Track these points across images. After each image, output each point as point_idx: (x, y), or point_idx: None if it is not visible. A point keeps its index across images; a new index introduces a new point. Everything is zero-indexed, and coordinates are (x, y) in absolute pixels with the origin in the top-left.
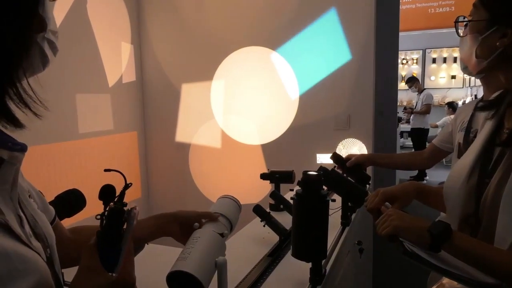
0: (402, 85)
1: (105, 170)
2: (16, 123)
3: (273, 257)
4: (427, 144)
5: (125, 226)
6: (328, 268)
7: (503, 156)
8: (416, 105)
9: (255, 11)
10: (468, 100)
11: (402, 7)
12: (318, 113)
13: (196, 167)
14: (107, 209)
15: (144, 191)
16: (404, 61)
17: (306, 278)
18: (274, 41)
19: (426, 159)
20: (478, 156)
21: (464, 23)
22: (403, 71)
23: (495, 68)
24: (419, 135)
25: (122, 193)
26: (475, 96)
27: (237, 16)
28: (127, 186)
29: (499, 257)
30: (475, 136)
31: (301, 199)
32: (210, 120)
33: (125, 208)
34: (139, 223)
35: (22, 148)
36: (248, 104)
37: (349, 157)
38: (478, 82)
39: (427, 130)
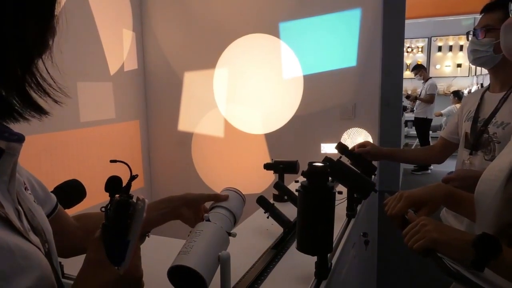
0: (407, 73)
1: (111, 161)
2: (42, 111)
3: (277, 250)
4: (430, 133)
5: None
6: (334, 261)
7: None
8: (421, 93)
9: None
10: (474, 89)
11: None
12: (323, 102)
13: (198, 157)
14: (112, 201)
15: (147, 181)
16: (409, 49)
17: (311, 271)
18: (279, 29)
19: (439, 153)
20: None
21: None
22: (408, 59)
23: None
24: (422, 125)
25: (128, 184)
26: (481, 85)
27: (241, 2)
28: (133, 177)
29: None
30: (483, 126)
31: (307, 191)
32: (213, 109)
33: (131, 200)
34: (148, 206)
35: (19, 138)
36: (252, 93)
37: (365, 144)
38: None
39: (430, 120)
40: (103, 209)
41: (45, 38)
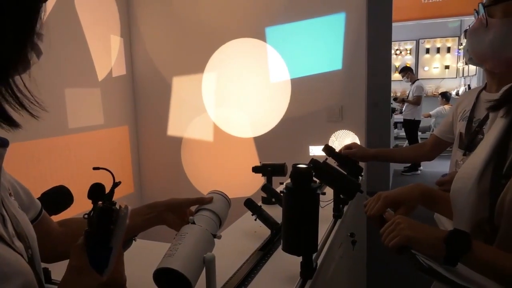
0: (396, 75)
1: (94, 169)
2: (13, 123)
3: (265, 251)
4: (419, 134)
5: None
6: (319, 261)
7: None
8: (408, 95)
9: (248, 2)
10: (461, 90)
11: None
12: (310, 105)
13: (188, 161)
14: (95, 208)
15: (137, 186)
16: (398, 52)
17: (297, 272)
18: (265, 33)
19: (429, 151)
20: (491, 155)
21: (475, 15)
22: (397, 61)
23: None
24: (411, 127)
25: (111, 191)
26: (469, 86)
27: (228, 7)
28: (116, 184)
29: None
30: (478, 126)
31: (291, 192)
32: (202, 114)
33: (114, 207)
34: (133, 212)
35: (3, 143)
36: (240, 97)
37: (351, 146)
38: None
39: (418, 121)
40: (86, 216)
41: (24, 55)
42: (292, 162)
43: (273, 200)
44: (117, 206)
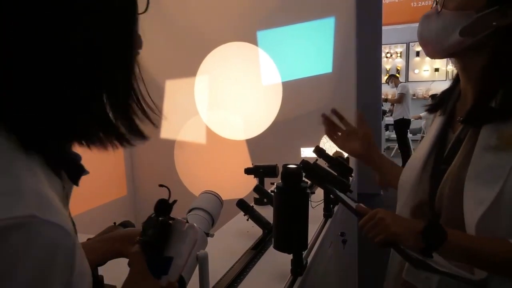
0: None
1: (160, 186)
2: (143, 136)
3: (257, 250)
4: (410, 136)
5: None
6: (309, 259)
7: (461, 142)
8: (396, 94)
9: (239, 6)
10: None
11: (385, 1)
12: (301, 107)
13: (181, 164)
14: (151, 219)
15: (130, 189)
16: (389, 55)
17: (288, 269)
18: (257, 37)
19: None
20: (432, 147)
21: (434, 2)
22: (388, 64)
23: (471, 50)
24: (401, 126)
25: (170, 207)
26: None
27: (220, 11)
28: (173, 202)
29: (496, 247)
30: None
31: (281, 191)
32: (195, 116)
33: (171, 221)
34: (88, 247)
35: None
36: (232, 100)
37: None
38: None
39: (408, 120)
40: (142, 224)
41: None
42: (284, 163)
43: (265, 200)
44: (184, 226)
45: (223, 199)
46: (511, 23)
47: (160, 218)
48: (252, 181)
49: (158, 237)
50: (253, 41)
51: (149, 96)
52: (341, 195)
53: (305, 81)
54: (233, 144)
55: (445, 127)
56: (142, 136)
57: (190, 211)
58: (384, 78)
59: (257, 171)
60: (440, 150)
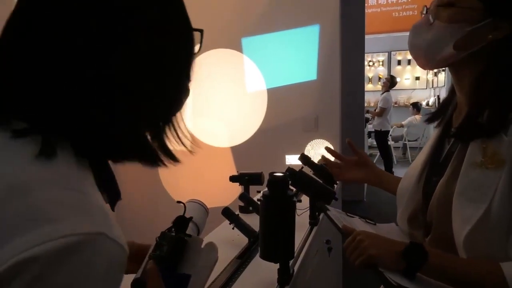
0: (369, 86)
1: (178, 202)
2: (174, 158)
3: (242, 259)
4: (392, 144)
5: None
6: (296, 268)
7: (451, 156)
8: (377, 106)
9: (224, 13)
10: (431, 100)
11: (367, 10)
12: (286, 115)
13: (165, 171)
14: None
15: None
16: (371, 63)
17: (274, 279)
18: (241, 44)
19: None
20: (428, 157)
21: (425, 11)
22: (370, 72)
23: (465, 62)
24: (380, 137)
25: (187, 224)
26: (438, 96)
27: (204, 18)
28: (190, 218)
29: (482, 270)
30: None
31: (267, 200)
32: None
33: (186, 238)
34: None
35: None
36: (217, 107)
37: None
38: (441, 83)
39: (386, 132)
40: (157, 239)
41: (180, 99)
42: (269, 171)
43: (251, 208)
44: (202, 244)
45: (208, 207)
46: (505, 36)
47: (177, 234)
48: (237, 188)
49: (173, 253)
50: (238, 48)
51: (184, 124)
52: (332, 213)
53: (290, 88)
54: (218, 151)
55: (442, 137)
56: (174, 159)
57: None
58: (367, 84)
59: (242, 178)
60: (435, 161)
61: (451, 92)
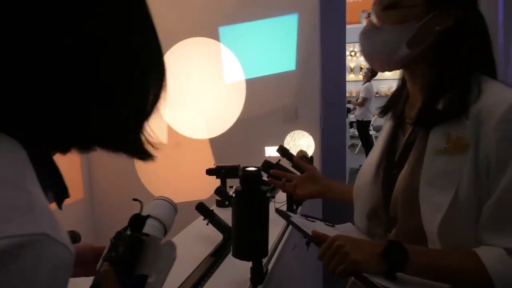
0: (351, 76)
1: (134, 200)
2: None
3: (216, 257)
4: (373, 133)
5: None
6: (270, 266)
7: (411, 146)
8: (359, 96)
9: (201, 1)
10: None
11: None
12: (266, 105)
13: (141, 164)
14: (121, 234)
15: (87, 191)
16: (353, 53)
17: (247, 277)
18: (218, 33)
19: None
20: (383, 151)
21: (368, 14)
22: (352, 62)
23: (420, 57)
24: (361, 126)
25: (143, 222)
26: None
27: (180, 5)
28: (147, 216)
29: (459, 258)
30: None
31: (239, 196)
32: (155, 114)
33: (144, 237)
34: None
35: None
36: (195, 98)
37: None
38: None
39: (368, 122)
40: (112, 240)
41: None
42: (247, 163)
43: (227, 203)
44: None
45: (185, 200)
46: (452, 25)
47: (133, 234)
48: (215, 182)
49: (130, 253)
50: (215, 36)
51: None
52: (296, 220)
53: (269, 79)
54: (195, 143)
55: (396, 130)
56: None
57: None
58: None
59: (219, 172)
60: (391, 154)
61: (402, 84)
